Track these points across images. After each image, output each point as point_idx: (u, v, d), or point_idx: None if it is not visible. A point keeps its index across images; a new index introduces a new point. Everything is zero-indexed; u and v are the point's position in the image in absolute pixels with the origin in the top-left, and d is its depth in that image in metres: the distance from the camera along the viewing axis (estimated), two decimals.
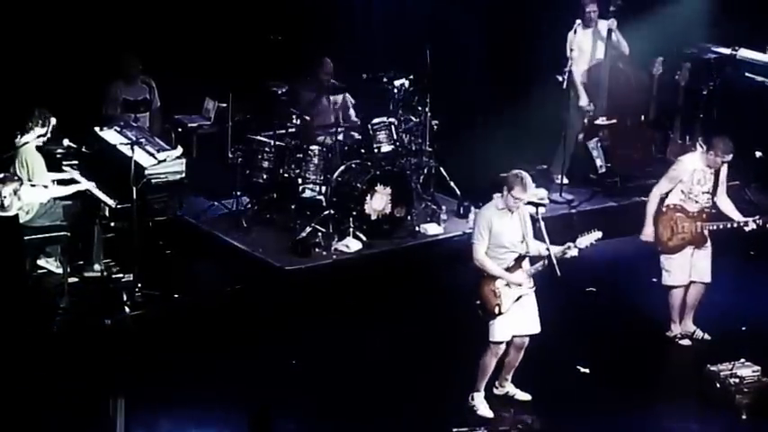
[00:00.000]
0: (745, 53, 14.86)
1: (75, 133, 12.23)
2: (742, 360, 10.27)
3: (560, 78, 13.92)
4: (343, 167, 12.98)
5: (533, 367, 10.19)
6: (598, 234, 9.78)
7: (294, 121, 13.32)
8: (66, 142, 12.11)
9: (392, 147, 13.25)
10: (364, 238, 12.71)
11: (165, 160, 11.96)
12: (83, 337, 10.86)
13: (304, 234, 12.62)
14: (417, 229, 13.09)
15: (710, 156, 10.79)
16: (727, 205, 10.95)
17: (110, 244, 12.22)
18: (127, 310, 11.35)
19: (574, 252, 9.72)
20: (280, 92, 13.48)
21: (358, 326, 11.31)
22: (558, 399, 10.14)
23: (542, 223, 9.74)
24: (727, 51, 14.83)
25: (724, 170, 10.91)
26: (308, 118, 13.41)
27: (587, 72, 14.36)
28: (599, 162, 14.38)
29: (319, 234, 12.68)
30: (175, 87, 13.89)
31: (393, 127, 13.27)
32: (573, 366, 10.69)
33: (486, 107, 15.08)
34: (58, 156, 12.08)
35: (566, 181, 14.19)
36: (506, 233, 9.70)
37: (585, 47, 14.26)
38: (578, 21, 14.11)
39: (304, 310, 11.44)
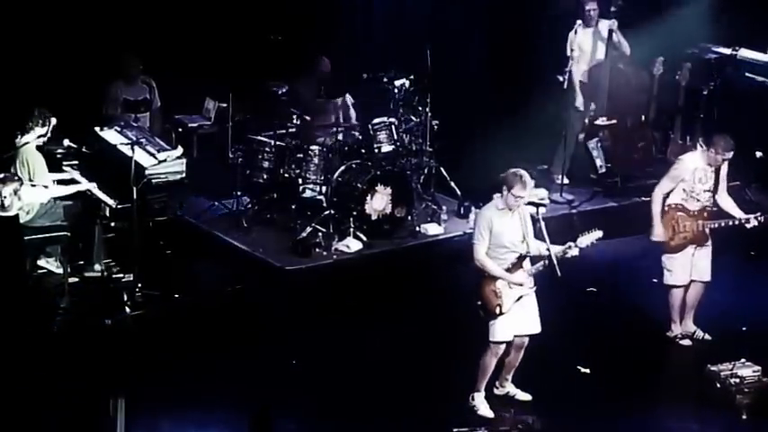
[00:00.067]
0: (745, 53, 14.86)
1: (75, 133, 12.23)
2: (742, 360, 10.27)
3: (561, 78, 13.92)
4: (343, 167, 12.98)
5: (534, 367, 10.18)
6: (599, 233, 9.78)
7: (294, 121, 13.32)
8: (66, 142, 12.12)
9: (392, 147, 13.25)
10: (365, 239, 12.71)
11: (165, 160, 11.96)
12: (83, 337, 10.86)
13: (304, 234, 12.62)
14: (418, 229, 13.09)
15: (711, 154, 10.79)
16: (728, 203, 10.95)
17: (110, 244, 12.22)
18: (127, 310, 11.35)
19: (574, 252, 9.71)
20: (280, 92, 13.49)
21: (358, 326, 11.30)
22: (558, 399, 10.13)
23: (543, 223, 9.74)
24: (727, 51, 14.83)
25: (724, 168, 10.91)
26: (308, 118, 13.41)
27: (588, 72, 14.35)
28: (599, 162, 14.38)
29: (320, 234, 12.67)
30: (176, 87, 13.90)
31: (393, 127, 13.28)
32: (573, 366, 10.69)
33: (486, 107, 15.07)
34: (59, 156, 12.08)
35: (566, 181, 14.19)
36: (507, 233, 9.70)
37: (586, 47, 14.26)
38: (579, 21, 14.11)
39: (304, 310, 11.43)
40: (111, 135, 12.08)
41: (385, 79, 13.61)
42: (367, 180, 12.76)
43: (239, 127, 13.67)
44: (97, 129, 12.26)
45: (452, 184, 13.85)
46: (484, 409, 9.98)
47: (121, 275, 11.93)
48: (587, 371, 10.68)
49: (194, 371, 10.30)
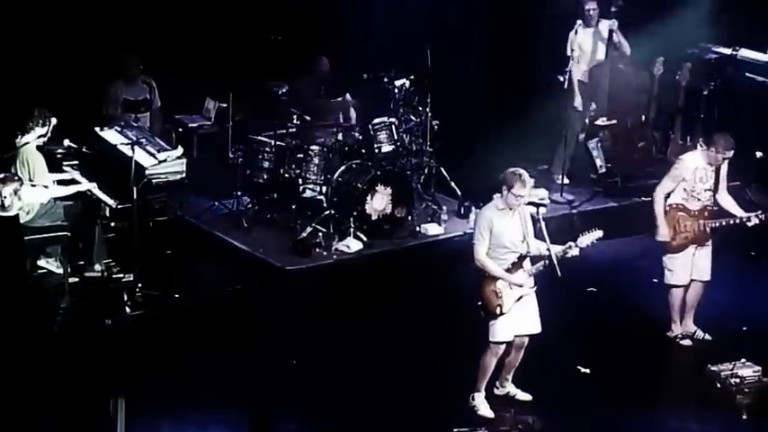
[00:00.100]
0: (745, 53, 14.87)
1: (75, 133, 12.23)
2: (743, 360, 10.26)
3: (561, 78, 13.92)
4: (343, 167, 12.98)
5: (534, 367, 10.18)
6: (599, 233, 9.78)
7: (294, 121, 13.32)
8: (66, 142, 12.12)
9: (393, 147, 13.25)
10: (365, 239, 12.71)
11: (165, 160, 11.96)
12: (83, 337, 10.85)
13: (305, 234, 12.62)
14: (418, 229, 13.08)
15: (712, 152, 10.79)
16: (728, 202, 10.95)
17: (110, 244, 12.22)
18: (127, 310, 11.34)
19: (575, 252, 9.71)
20: (280, 92, 13.49)
21: (358, 326, 11.30)
22: (558, 399, 10.13)
23: (543, 223, 9.73)
24: (727, 51, 14.84)
25: (724, 167, 10.91)
26: (308, 118, 13.41)
27: (588, 72, 14.35)
28: (599, 162, 14.38)
29: (320, 234, 12.67)
30: (176, 87, 13.90)
31: (394, 127, 13.28)
32: (573, 367, 10.68)
33: (486, 107, 15.08)
34: (59, 156, 12.08)
35: (566, 181, 14.19)
36: (507, 233, 9.70)
37: (586, 47, 14.26)
38: (579, 21, 14.12)
39: (304, 310, 11.43)
40: (111, 135, 12.08)
41: (385, 79, 13.61)
42: (367, 180, 12.76)
43: (239, 127, 13.68)
44: (97, 129, 12.26)
45: (452, 184, 13.85)
46: (484, 409, 9.98)
47: (122, 275, 11.92)
48: (587, 371, 10.68)
49: (194, 371, 10.30)
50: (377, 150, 13.14)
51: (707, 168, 10.84)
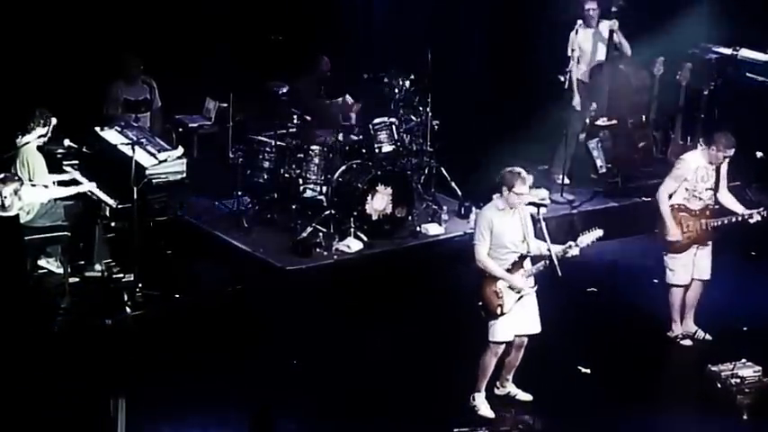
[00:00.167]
0: (746, 53, 14.87)
1: (75, 133, 12.22)
2: (743, 360, 10.26)
3: (562, 78, 13.93)
4: (344, 167, 12.98)
5: (534, 368, 10.18)
6: (599, 233, 9.77)
7: (295, 121, 13.32)
8: (66, 142, 12.11)
9: (393, 147, 13.25)
10: (365, 239, 12.70)
11: (165, 160, 11.95)
12: (83, 337, 10.85)
13: (305, 234, 12.62)
14: (418, 229, 13.08)
15: (712, 151, 10.78)
16: (729, 200, 10.95)
17: (110, 244, 12.21)
18: (127, 310, 11.34)
19: (575, 251, 9.70)
20: (280, 92, 13.49)
21: (359, 326, 11.30)
22: (559, 399, 10.13)
23: (543, 223, 9.73)
24: (728, 51, 14.84)
25: (724, 165, 10.91)
26: (308, 118, 13.41)
27: (588, 72, 14.35)
28: (600, 162, 14.38)
29: (320, 234, 12.67)
30: (176, 87, 13.91)
31: (394, 127, 13.28)
32: (574, 367, 10.68)
33: (487, 107, 15.08)
34: (59, 156, 12.07)
35: (567, 181, 14.18)
36: (508, 233, 9.69)
37: (586, 47, 14.25)
38: (580, 20, 14.12)
39: (305, 310, 11.42)
40: (111, 135, 12.08)
41: (385, 79, 13.61)
42: (367, 180, 12.76)
43: (240, 127, 13.67)
44: (98, 129, 12.25)
45: (453, 184, 13.85)
46: (484, 409, 9.97)
47: (122, 275, 11.92)
48: (588, 371, 10.68)
49: (195, 371, 10.29)
50: (377, 150, 13.14)
51: (708, 168, 10.84)
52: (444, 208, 13.48)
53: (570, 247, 9.70)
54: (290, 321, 11.20)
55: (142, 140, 11.88)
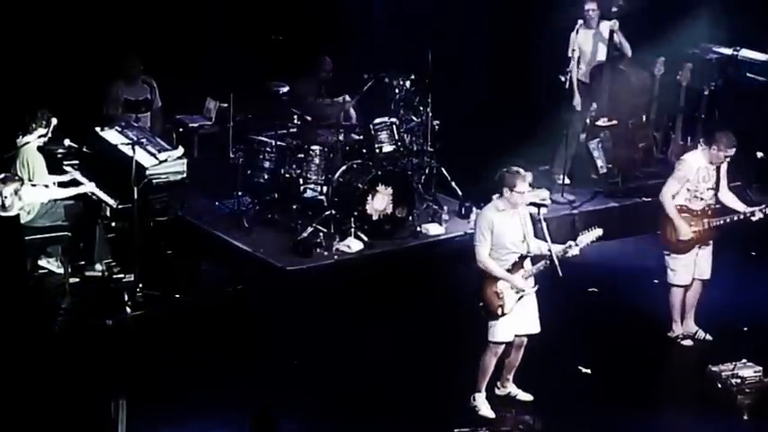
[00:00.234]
0: (746, 53, 14.88)
1: (76, 133, 12.22)
2: (743, 360, 10.26)
3: (563, 79, 13.93)
4: (344, 167, 12.98)
5: (535, 368, 10.18)
6: (599, 232, 9.77)
7: (295, 121, 13.31)
8: (67, 142, 12.11)
9: (393, 147, 13.25)
10: (365, 239, 12.70)
11: (166, 160, 11.95)
12: (84, 337, 10.85)
13: (305, 234, 12.61)
14: (419, 229, 13.08)
15: (714, 151, 10.78)
16: (730, 198, 10.95)
17: (111, 244, 12.21)
18: (128, 310, 11.34)
19: (575, 251, 9.70)
20: (281, 92, 13.49)
21: (359, 326, 11.30)
22: (559, 399, 10.13)
23: (544, 224, 9.72)
24: (728, 52, 14.85)
25: (724, 165, 10.91)
26: (309, 118, 13.40)
27: (589, 73, 14.34)
28: (600, 163, 14.37)
29: (321, 234, 12.67)
30: (176, 87, 13.91)
31: (394, 127, 13.27)
32: (574, 367, 10.68)
33: (487, 107, 15.07)
34: (59, 156, 12.07)
35: (567, 181, 14.18)
36: (508, 234, 9.69)
37: (586, 47, 14.24)
38: (580, 21, 14.11)
39: (305, 310, 11.42)
40: (111, 135, 12.08)
41: (385, 79, 13.61)
42: (368, 180, 12.75)
43: (240, 127, 13.66)
44: (98, 129, 12.25)
45: (453, 184, 13.84)
46: (485, 409, 9.97)
47: (122, 275, 11.92)
48: (588, 371, 10.67)
49: (195, 371, 10.29)
50: (378, 150, 13.14)
51: (709, 168, 10.84)
52: (445, 208, 13.48)
53: (570, 246, 9.70)
54: (291, 321, 11.20)
55: (142, 140, 11.88)
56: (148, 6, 14.02)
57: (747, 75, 14.83)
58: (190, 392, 9.99)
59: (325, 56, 13.98)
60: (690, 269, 11.00)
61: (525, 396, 10.19)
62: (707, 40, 14.96)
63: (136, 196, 11.55)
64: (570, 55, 14.03)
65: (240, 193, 13.23)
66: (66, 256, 11.65)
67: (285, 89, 13.55)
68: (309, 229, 12.66)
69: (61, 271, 11.77)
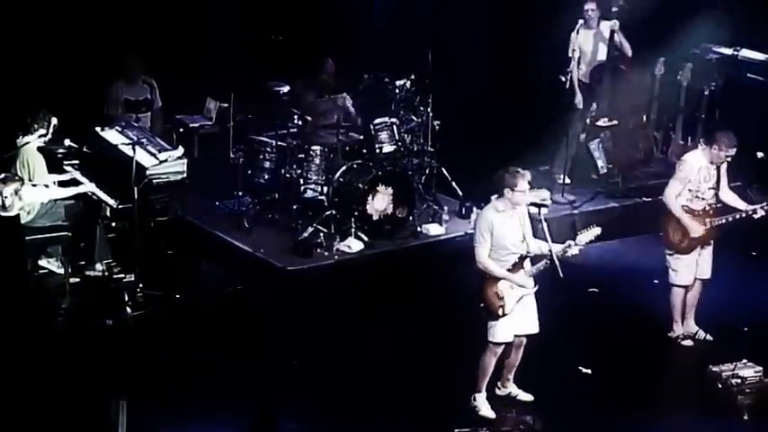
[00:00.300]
0: (746, 53, 14.87)
1: (76, 133, 12.21)
2: (744, 360, 10.26)
3: (563, 79, 13.93)
4: (344, 168, 12.98)
5: (535, 368, 10.18)
6: (597, 230, 9.77)
7: (296, 121, 13.31)
8: (67, 142, 12.10)
9: (394, 147, 13.24)
10: (366, 239, 12.70)
11: (166, 160, 11.94)
12: (84, 337, 10.85)
13: (306, 234, 12.61)
14: (419, 229, 13.08)
15: (714, 150, 10.78)
16: (731, 197, 10.96)
17: (111, 244, 12.21)
18: (128, 310, 11.34)
19: (575, 250, 9.70)
20: (281, 92, 13.48)
21: (359, 326, 11.30)
22: (559, 400, 10.13)
23: (545, 224, 9.72)
24: (728, 52, 14.84)
25: (724, 164, 10.91)
26: (309, 118, 13.40)
27: (589, 73, 14.34)
28: (600, 163, 14.37)
29: (321, 234, 12.66)
30: (177, 87, 13.91)
31: (395, 127, 13.27)
32: (575, 367, 10.68)
33: (487, 107, 15.06)
34: (60, 156, 12.06)
35: (567, 181, 14.18)
36: (508, 234, 9.69)
37: (586, 47, 14.24)
38: (580, 21, 14.11)
39: (305, 310, 11.42)
40: (112, 135, 12.07)
41: (386, 79, 13.61)
42: (368, 180, 12.75)
43: (240, 127, 13.66)
44: (98, 129, 12.24)
45: (454, 184, 13.84)
46: (485, 409, 9.97)
47: (122, 275, 11.91)
48: (589, 372, 10.67)
49: (195, 371, 10.29)
50: (378, 150, 13.13)
51: (709, 167, 10.84)
52: (445, 208, 13.48)
53: (569, 246, 9.70)
54: (291, 321, 11.20)
55: (143, 140, 11.87)
56: (149, 6, 14.02)
57: (747, 75, 14.83)
58: (190, 393, 9.98)
59: (327, 57, 13.98)
60: (692, 269, 11.01)
61: (525, 396, 10.19)
62: (707, 40, 14.95)
63: (136, 196, 11.54)
64: (570, 55, 14.04)
65: (240, 194, 13.23)
66: (66, 256, 11.65)
67: (285, 89, 13.54)
68: (310, 230, 12.66)
69: (61, 271, 11.77)
